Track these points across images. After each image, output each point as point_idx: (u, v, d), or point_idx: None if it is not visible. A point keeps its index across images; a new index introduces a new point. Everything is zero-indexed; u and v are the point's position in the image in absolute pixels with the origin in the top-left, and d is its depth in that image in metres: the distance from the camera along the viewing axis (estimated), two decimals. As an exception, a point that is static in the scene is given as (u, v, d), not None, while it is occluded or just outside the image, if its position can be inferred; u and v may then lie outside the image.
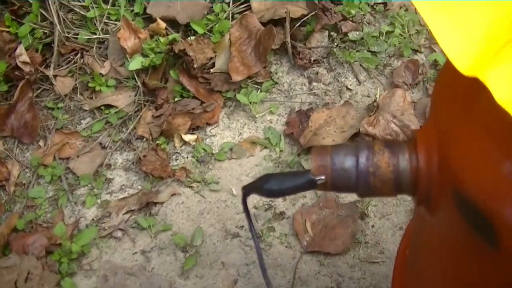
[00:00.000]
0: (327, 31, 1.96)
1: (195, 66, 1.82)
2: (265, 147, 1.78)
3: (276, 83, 1.90)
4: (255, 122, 1.83)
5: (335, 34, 1.97)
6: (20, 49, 1.87)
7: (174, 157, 1.78)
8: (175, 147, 1.79)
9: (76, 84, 1.92)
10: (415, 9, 1.97)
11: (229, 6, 1.98)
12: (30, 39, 1.92)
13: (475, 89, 0.59)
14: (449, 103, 0.68)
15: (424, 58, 1.93)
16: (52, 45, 1.94)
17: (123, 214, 1.68)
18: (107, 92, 1.89)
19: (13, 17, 1.94)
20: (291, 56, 1.92)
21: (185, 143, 1.80)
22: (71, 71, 1.94)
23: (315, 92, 1.88)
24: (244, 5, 1.98)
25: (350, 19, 1.98)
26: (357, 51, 1.94)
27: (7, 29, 1.92)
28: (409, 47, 1.93)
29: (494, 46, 0.56)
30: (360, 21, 1.99)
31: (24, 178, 1.77)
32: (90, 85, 1.90)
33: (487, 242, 0.64)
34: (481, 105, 0.62)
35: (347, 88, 1.88)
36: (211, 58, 1.88)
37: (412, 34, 1.97)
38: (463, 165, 0.62)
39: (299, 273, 1.57)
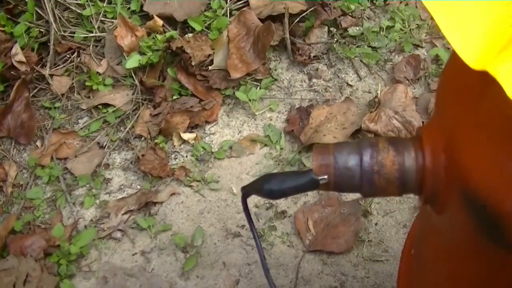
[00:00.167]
0: (327, 27, 1.95)
1: (193, 63, 1.81)
2: (265, 145, 1.77)
3: (276, 80, 1.88)
4: (255, 119, 1.82)
5: (335, 30, 1.95)
6: (16, 49, 1.86)
7: (173, 156, 1.77)
8: (174, 146, 1.78)
9: (73, 83, 1.90)
10: (416, 3, 1.96)
11: (226, 3, 1.96)
12: (25, 38, 1.91)
13: (482, 84, 0.59)
14: (455, 100, 0.66)
15: (425, 53, 1.91)
16: (48, 44, 1.93)
17: (122, 214, 1.67)
18: (104, 91, 1.88)
19: (8, 16, 1.92)
20: (291, 53, 1.90)
21: (184, 141, 1.78)
22: (67, 70, 1.92)
23: (315, 89, 1.86)
24: (242, 1, 1.97)
25: (350, 14, 1.96)
26: (357, 47, 1.92)
27: (2, 28, 1.90)
28: (410, 42, 1.92)
29: (503, 39, 0.54)
30: (360, 16, 1.97)
31: (22, 179, 1.75)
32: (87, 84, 1.88)
33: (496, 242, 0.62)
34: (489, 101, 0.60)
35: (348, 84, 1.87)
36: (209, 55, 1.86)
37: (412, 29, 1.95)
38: (471, 163, 0.60)
39: (301, 273, 1.56)
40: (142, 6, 1.96)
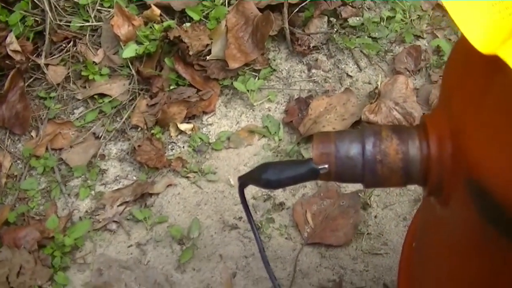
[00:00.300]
0: (326, 17, 1.93)
1: (190, 53, 1.79)
2: (264, 136, 1.75)
3: (274, 70, 1.86)
4: (253, 110, 1.80)
5: (335, 20, 1.93)
6: (11, 38, 1.83)
7: (169, 146, 1.75)
8: (171, 136, 1.76)
9: (68, 73, 1.89)
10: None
11: (225, -8, 1.94)
12: (21, 27, 1.88)
13: (491, 70, 0.57)
14: (462, 87, 0.64)
15: (426, 44, 1.89)
16: (44, 33, 1.90)
17: (118, 206, 1.65)
18: (100, 81, 1.86)
19: (3, 5, 1.89)
20: (290, 43, 1.88)
21: (181, 132, 1.76)
22: (63, 60, 1.90)
23: (314, 79, 1.84)
24: (241, -10, 1.94)
25: (350, 4, 1.94)
26: (357, 37, 1.90)
27: (-3, 17, 1.88)
28: (411, 32, 1.90)
29: (510, 23, 0.54)
30: (360, 6, 1.95)
31: (16, 170, 1.73)
32: (83, 73, 1.87)
33: (504, 237, 0.60)
34: (498, 87, 0.58)
35: (348, 75, 1.85)
36: (207, 45, 1.84)
37: (413, 20, 1.93)
38: (480, 151, 0.58)
39: (299, 266, 1.54)
40: (139, -5, 1.94)
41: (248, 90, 1.80)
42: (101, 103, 1.83)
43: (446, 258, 0.78)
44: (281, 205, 1.63)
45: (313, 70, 1.86)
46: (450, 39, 1.88)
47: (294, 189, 1.65)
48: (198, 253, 1.57)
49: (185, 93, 1.78)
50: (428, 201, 0.78)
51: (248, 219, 0.82)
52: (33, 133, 1.80)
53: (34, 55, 1.88)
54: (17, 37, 1.86)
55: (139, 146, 1.71)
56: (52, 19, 1.90)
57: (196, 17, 1.89)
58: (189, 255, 1.56)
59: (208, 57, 1.83)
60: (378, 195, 1.63)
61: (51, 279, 1.53)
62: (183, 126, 1.76)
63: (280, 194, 1.65)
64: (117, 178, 1.71)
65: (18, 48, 1.83)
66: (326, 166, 0.69)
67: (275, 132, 1.74)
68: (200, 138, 1.74)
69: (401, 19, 1.92)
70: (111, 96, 1.83)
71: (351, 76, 1.84)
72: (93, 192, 1.68)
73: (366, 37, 1.90)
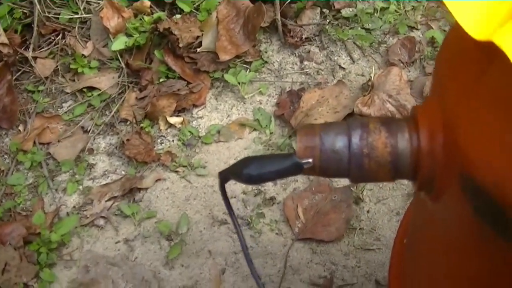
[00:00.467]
0: (319, 8, 1.91)
1: (180, 45, 1.77)
2: (255, 129, 1.73)
3: (266, 62, 1.84)
4: (244, 103, 1.77)
5: (327, 11, 1.91)
6: (-2, 30, 1.81)
7: (159, 140, 1.72)
8: (160, 130, 1.74)
9: (57, 66, 1.87)
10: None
11: (216, -17, 1.91)
12: (8, 19, 1.86)
13: (485, 58, 0.56)
14: (456, 76, 0.61)
15: (420, 35, 1.87)
16: (32, 25, 1.88)
17: (106, 201, 1.63)
18: (89, 73, 1.85)
19: (-10, -3, 1.87)
20: (282, 34, 1.86)
21: (170, 126, 1.74)
22: (52, 53, 1.89)
23: (306, 72, 1.82)
24: (232, -19, 1.92)
25: (343, -5, 1.92)
26: (350, 29, 1.88)
27: (-16, 9, 1.86)
28: (405, 24, 1.88)
29: (503, 9, 0.52)
30: (353, -3, 1.93)
31: (3, 165, 1.71)
32: (72, 66, 1.85)
33: (498, 233, 0.58)
34: (494, 76, 0.56)
35: (340, 67, 1.83)
36: (197, 37, 1.83)
37: (408, 11, 1.91)
38: (473, 144, 0.56)
39: (290, 262, 1.52)
40: (129, -14, 1.91)
41: (239, 83, 1.78)
42: (90, 96, 1.81)
43: (439, 255, 0.76)
44: (271, 199, 1.61)
45: (305, 62, 1.83)
46: (444, 30, 1.86)
47: (285, 183, 1.63)
48: (187, 249, 1.55)
49: (175, 86, 1.76)
50: (419, 197, 0.76)
51: (230, 215, 0.80)
52: (21, 127, 1.78)
53: (22, 48, 1.87)
54: (5, 30, 1.84)
55: (128, 140, 1.69)
56: (40, 11, 1.88)
57: (186, 8, 1.88)
58: (178, 251, 1.53)
59: (198, 49, 1.82)
60: (370, 189, 1.61)
61: (37, 276, 1.51)
62: (173, 120, 1.74)
63: (271, 189, 1.62)
64: (106, 172, 1.69)
65: (6, 41, 1.81)
66: (310, 160, 0.66)
67: (266, 125, 1.72)
68: (190, 132, 1.72)
69: (395, 10, 1.91)
70: (100, 90, 1.81)
71: (344, 68, 1.82)
72: (81, 187, 1.66)
73: (359, 28, 1.88)
